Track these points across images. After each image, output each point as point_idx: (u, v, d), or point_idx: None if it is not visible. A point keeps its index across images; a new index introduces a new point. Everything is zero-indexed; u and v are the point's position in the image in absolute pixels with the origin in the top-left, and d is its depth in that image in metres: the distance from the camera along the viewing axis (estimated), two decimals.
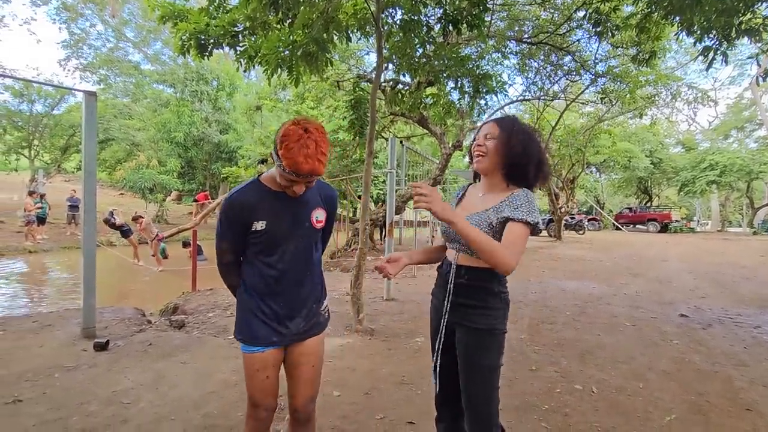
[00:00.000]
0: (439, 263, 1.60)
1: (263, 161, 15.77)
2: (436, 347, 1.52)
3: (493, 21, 8.33)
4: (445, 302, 1.45)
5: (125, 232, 10.12)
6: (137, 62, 23.33)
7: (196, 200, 16.91)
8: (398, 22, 4.55)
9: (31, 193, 13.09)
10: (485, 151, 1.43)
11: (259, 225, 1.40)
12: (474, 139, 1.50)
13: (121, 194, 23.77)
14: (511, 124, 1.45)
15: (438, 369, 1.52)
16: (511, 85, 11.99)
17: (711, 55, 4.49)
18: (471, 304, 1.41)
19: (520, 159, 1.40)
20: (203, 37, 3.98)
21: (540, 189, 1.58)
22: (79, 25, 21.19)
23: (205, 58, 4.17)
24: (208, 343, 3.54)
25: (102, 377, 2.77)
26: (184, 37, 3.97)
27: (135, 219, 10.08)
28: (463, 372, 1.42)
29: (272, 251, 1.44)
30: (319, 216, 1.51)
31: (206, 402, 2.47)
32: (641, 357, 3.41)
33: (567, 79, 11.07)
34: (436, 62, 4.81)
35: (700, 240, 17.46)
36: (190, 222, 12.15)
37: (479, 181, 1.55)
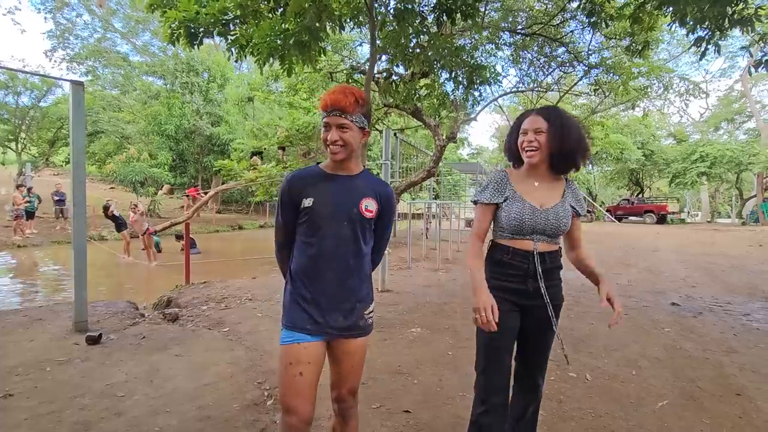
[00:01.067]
0: (505, 254, 1.56)
1: (256, 153, 15.65)
2: (506, 336, 1.56)
3: (487, 11, 8.27)
4: (540, 288, 1.52)
5: (120, 225, 9.99)
6: (126, 53, 22.94)
7: (187, 194, 16.75)
8: (392, 11, 4.50)
9: (18, 187, 12.87)
10: (537, 146, 1.50)
11: (307, 202, 1.42)
12: (512, 135, 1.60)
13: (112, 188, 23.51)
14: (559, 116, 1.53)
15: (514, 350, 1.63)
16: (505, 76, 11.96)
17: (704, 45, 4.50)
18: (554, 284, 1.57)
19: (574, 153, 1.52)
20: (193, 25, 3.89)
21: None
22: (65, 15, 20.78)
23: (196, 47, 4.08)
24: (203, 336, 3.52)
25: (95, 371, 2.74)
26: (173, 26, 3.88)
27: (133, 207, 9.97)
28: (544, 344, 1.62)
29: (314, 230, 1.43)
30: (368, 205, 1.46)
31: (201, 394, 2.46)
32: (634, 345, 3.46)
33: (560, 70, 11.04)
34: (430, 53, 4.78)
35: (691, 231, 17.69)
36: (183, 216, 12.03)
37: (516, 167, 1.65)
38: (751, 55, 5.20)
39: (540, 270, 1.52)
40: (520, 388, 1.68)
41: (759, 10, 4.28)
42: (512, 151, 1.62)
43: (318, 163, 1.54)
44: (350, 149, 1.41)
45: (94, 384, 2.55)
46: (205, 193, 15.70)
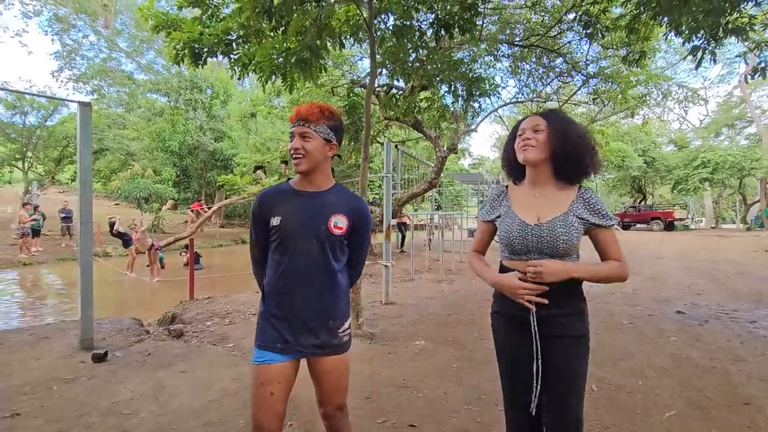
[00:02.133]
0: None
1: (259, 167, 15.78)
2: (517, 365, 1.40)
3: (484, 25, 8.41)
4: (531, 317, 1.33)
5: (126, 242, 10.07)
6: (130, 72, 23.40)
7: (191, 209, 16.86)
8: (391, 27, 4.59)
9: (24, 205, 13.00)
10: (534, 144, 1.36)
11: (275, 220, 1.43)
12: (511, 139, 1.46)
13: (117, 204, 23.65)
14: (560, 116, 1.42)
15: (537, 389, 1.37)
16: (504, 87, 12.07)
17: (700, 54, 4.56)
18: (563, 312, 1.33)
19: (576, 150, 1.35)
20: (197, 45, 3.99)
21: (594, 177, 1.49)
22: (72, 36, 21.28)
23: (200, 66, 4.19)
24: (208, 352, 3.52)
25: (101, 388, 2.75)
26: (178, 47, 3.98)
27: (133, 228, 10.10)
28: (562, 384, 1.33)
29: (284, 249, 1.43)
30: (338, 222, 1.45)
31: (206, 411, 2.46)
32: (640, 354, 3.43)
33: (559, 80, 11.17)
34: (429, 66, 4.85)
35: (695, 237, 17.59)
36: (187, 231, 12.10)
37: (518, 183, 1.49)
38: (747, 63, 5.25)
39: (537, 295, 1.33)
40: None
41: (753, 19, 4.34)
42: (511, 161, 1.48)
43: (289, 179, 1.55)
44: (312, 159, 1.42)
45: (101, 402, 2.56)
46: (209, 208, 15.81)
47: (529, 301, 1.31)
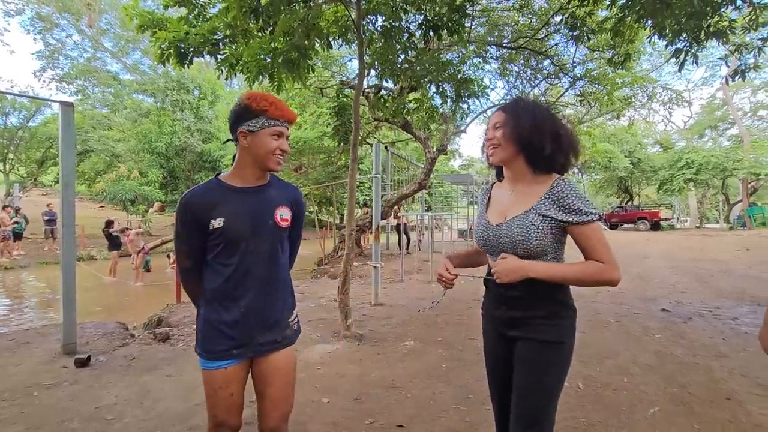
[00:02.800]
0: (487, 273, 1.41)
1: None
2: (495, 366, 1.40)
3: (473, 27, 8.47)
4: (499, 316, 1.32)
5: (114, 246, 9.88)
6: (116, 72, 23.02)
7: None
8: (379, 28, 4.60)
9: (5, 208, 12.70)
10: (497, 143, 1.29)
11: (217, 223, 1.32)
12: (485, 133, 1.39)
13: (102, 207, 23.25)
14: (515, 104, 1.32)
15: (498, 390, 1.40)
16: (492, 89, 12.16)
17: (682, 56, 4.65)
18: (532, 315, 1.27)
19: (532, 137, 1.23)
20: (183, 45, 3.95)
21: (573, 168, 1.36)
22: (55, 35, 20.82)
23: (186, 66, 4.14)
24: (194, 356, 3.44)
25: (84, 394, 2.70)
26: (163, 46, 3.93)
27: (122, 231, 9.93)
28: (522, 390, 1.27)
29: (232, 251, 1.35)
30: (283, 214, 1.42)
31: (193, 414, 2.43)
32: (625, 352, 3.48)
33: (547, 82, 11.30)
34: (417, 68, 4.87)
35: (680, 237, 17.92)
36: (174, 233, 11.92)
37: (503, 179, 1.42)
38: (728, 66, 5.38)
39: (505, 296, 1.31)
40: None
41: (732, 23, 4.44)
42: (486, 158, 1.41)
43: (217, 175, 1.44)
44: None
45: (83, 407, 2.50)
46: None
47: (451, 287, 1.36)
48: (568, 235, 1.27)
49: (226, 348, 1.35)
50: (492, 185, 1.47)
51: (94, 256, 12.72)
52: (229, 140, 1.45)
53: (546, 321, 1.26)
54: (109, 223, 10.03)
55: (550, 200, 1.23)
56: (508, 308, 1.31)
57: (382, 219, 9.03)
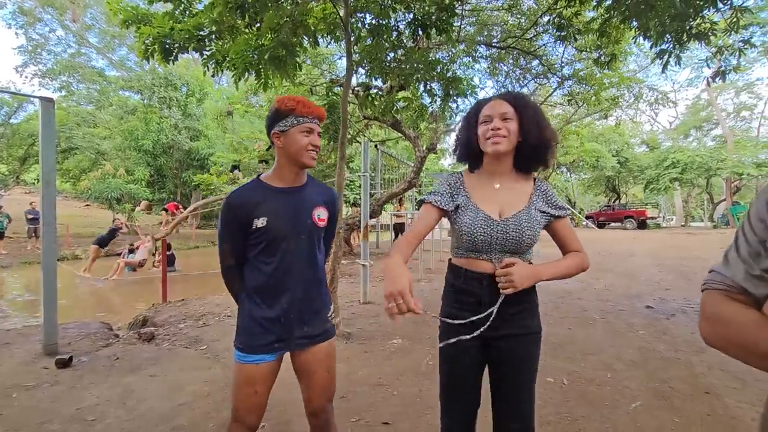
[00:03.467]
0: (457, 278, 1.33)
1: (236, 167, 15.51)
2: (467, 374, 1.34)
3: (462, 26, 8.50)
4: (489, 317, 1.25)
5: (103, 242, 9.75)
6: (101, 68, 22.59)
7: (165, 209, 16.41)
8: (367, 26, 4.59)
9: None
10: (506, 134, 1.25)
11: (260, 222, 1.38)
12: (461, 124, 1.37)
13: (87, 205, 22.86)
14: (528, 102, 1.31)
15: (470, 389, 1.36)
16: (482, 88, 12.24)
17: (666, 57, 4.73)
18: (520, 309, 1.28)
19: (535, 139, 1.27)
20: (168, 41, 3.89)
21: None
22: (38, 30, 20.37)
23: (171, 63, 4.08)
24: (179, 355, 3.44)
25: (65, 395, 2.65)
26: (147, 42, 3.87)
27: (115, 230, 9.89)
28: (515, 383, 1.29)
29: (274, 250, 1.41)
30: (321, 214, 1.48)
31: (177, 414, 2.40)
32: (610, 348, 3.53)
33: (535, 82, 11.40)
34: (406, 66, 4.87)
35: (666, 235, 18.24)
36: (160, 232, 11.78)
37: (474, 171, 1.38)
38: (710, 68, 5.48)
39: (503, 293, 1.26)
40: None
41: (714, 25, 4.53)
42: (470, 147, 1.34)
43: (258, 176, 1.50)
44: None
45: (64, 409, 2.46)
46: (185, 208, 15.43)
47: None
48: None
49: (267, 342, 1.41)
50: (461, 175, 1.39)
51: (79, 256, 12.49)
52: (269, 147, 1.50)
53: (532, 313, 1.32)
54: (117, 229, 9.97)
55: (541, 198, 1.31)
56: (504, 306, 1.27)
57: (371, 218, 9.02)
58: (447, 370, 1.35)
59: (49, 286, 3.36)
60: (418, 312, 1.08)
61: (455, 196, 1.34)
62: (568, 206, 1.35)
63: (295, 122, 1.39)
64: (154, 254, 9.62)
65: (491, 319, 1.24)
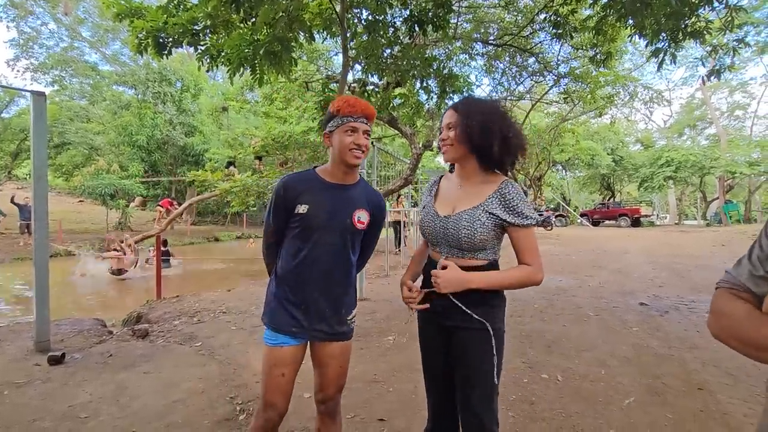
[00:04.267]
0: (426, 267, 1.47)
1: (231, 164, 15.43)
2: (431, 356, 1.48)
3: (459, 23, 8.48)
4: (456, 305, 1.32)
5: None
6: (94, 63, 22.33)
7: (160, 205, 16.30)
8: (364, 22, 4.56)
9: None
10: (450, 143, 1.36)
11: (302, 208, 1.44)
12: (440, 131, 1.45)
13: (80, 201, 22.65)
14: (467, 107, 1.36)
15: (435, 377, 1.47)
16: (478, 85, 12.23)
17: (661, 56, 4.74)
18: (467, 303, 1.32)
19: (482, 140, 1.30)
20: (162, 35, 3.85)
21: (515, 169, 1.48)
22: (30, 23, 20.08)
23: (165, 57, 4.04)
24: (174, 352, 3.42)
25: (57, 392, 2.63)
26: (141, 36, 3.83)
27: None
28: (463, 378, 1.34)
29: (306, 237, 1.46)
30: (361, 217, 1.50)
31: (171, 411, 2.39)
32: (604, 345, 3.55)
33: (532, 79, 11.41)
34: (402, 63, 4.85)
35: (659, 233, 18.39)
36: (154, 228, 11.72)
37: (453, 171, 1.48)
38: (705, 66, 5.51)
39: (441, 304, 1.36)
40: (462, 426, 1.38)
41: (709, 24, 4.55)
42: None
43: (315, 167, 1.55)
44: (365, 155, 1.49)
45: (56, 406, 2.44)
46: (179, 204, 15.35)
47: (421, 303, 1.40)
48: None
49: (288, 325, 1.46)
50: (440, 178, 1.52)
51: (72, 252, 12.38)
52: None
53: (480, 309, 1.32)
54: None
55: (497, 199, 1.31)
56: (443, 297, 1.34)
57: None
58: (421, 342, 1.52)
59: (41, 281, 3.33)
60: (412, 304, 1.41)
61: (428, 195, 1.50)
62: (534, 215, 1.31)
63: (340, 122, 1.43)
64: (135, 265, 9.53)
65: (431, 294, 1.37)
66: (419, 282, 1.48)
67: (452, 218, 1.34)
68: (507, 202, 1.30)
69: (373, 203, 1.55)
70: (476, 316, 1.31)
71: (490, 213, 1.30)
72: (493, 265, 1.35)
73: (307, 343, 1.52)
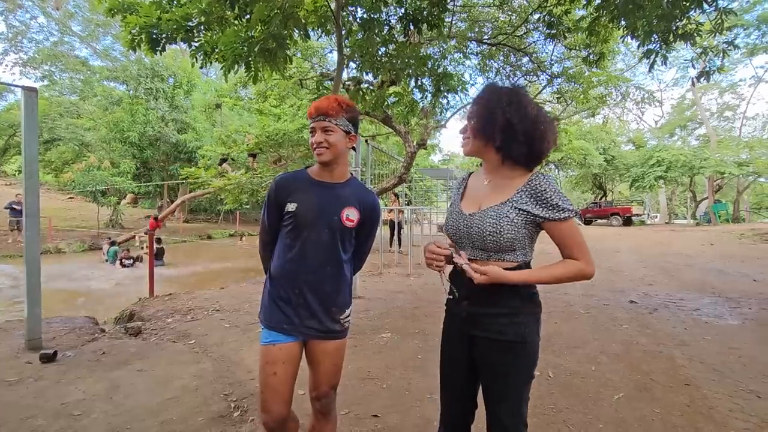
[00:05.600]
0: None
1: (224, 161, 15.33)
2: (452, 365, 1.36)
3: (453, 22, 8.50)
4: (477, 314, 1.24)
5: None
6: (85, 57, 22.07)
7: (150, 226, 16.17)
8: (359, 20, 4.57)
9: None
10: (468, 136, 1.28)
11: (291, 206, 1.48)
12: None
13: (71, 198, 22.37)
14: (488, 96, 1.24)
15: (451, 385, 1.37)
16: (473, 85, 12.26)
17: (653, 57, 4.80)
18: (494, 312, 1.21)
19: (505, 131, 1.18)
20: (155, 31, 3.82)
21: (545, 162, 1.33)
22: (18, 17, 19.79)
23: (158, 53, 4.00)
24: (167, 349, 3.41)
25: (49, 390, 2.61)
26: (134, 32, 3.79)
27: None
28: (490, 390, 1.25)
29: (296, 235, 1.49)
30: (350, 215, 1.51)
31: (164, 409, 2.39)
32: (594, 342, 3.61)
33: (525, 79, 11.44)
34: (397, 61, 4.86)
35: (650, 232, 18.61)
36: (144, 228, 11.64)
37: (481, 166, 1.38)
38: (694, 67, 5.58)
39: (466, 290, 1.25)
40: None
41: (700, 26, 4.61)
42: None
43: (307, 167, 1.59)
44: (335, 151, 1.47)
45: (48, 404, 2.43)
46: (171, 202, 15.21)
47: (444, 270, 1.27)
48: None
49: (279, 322, 1.48)
50: (469, 175, 1.43)
51: (63, 249, 12.25)
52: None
53: (508, 319, 1.21)
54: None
55: (527, 194, 1.19)
56: (469, 304, 1.26)
57: None
58: (443, 340, 1.40)
59: (33, 279, 3.30)
60: (438, 261, 1.25)
61: (457, 193, 1.42)
62: (571, 206, 1.18)
63: (309, 125, 1.50)
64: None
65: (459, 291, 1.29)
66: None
67: (477, 216, 1.23)
68: (538, 195, 1.17)
69: (363, 202, 1.55)
70: (510, 330, 1.20)
71: (519, 209, 1.18)
72: (523, 269, 1.22)
73: (302, 342, 1.52)
